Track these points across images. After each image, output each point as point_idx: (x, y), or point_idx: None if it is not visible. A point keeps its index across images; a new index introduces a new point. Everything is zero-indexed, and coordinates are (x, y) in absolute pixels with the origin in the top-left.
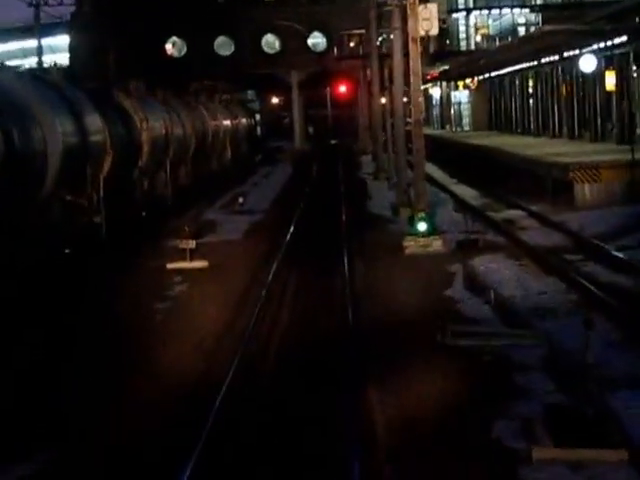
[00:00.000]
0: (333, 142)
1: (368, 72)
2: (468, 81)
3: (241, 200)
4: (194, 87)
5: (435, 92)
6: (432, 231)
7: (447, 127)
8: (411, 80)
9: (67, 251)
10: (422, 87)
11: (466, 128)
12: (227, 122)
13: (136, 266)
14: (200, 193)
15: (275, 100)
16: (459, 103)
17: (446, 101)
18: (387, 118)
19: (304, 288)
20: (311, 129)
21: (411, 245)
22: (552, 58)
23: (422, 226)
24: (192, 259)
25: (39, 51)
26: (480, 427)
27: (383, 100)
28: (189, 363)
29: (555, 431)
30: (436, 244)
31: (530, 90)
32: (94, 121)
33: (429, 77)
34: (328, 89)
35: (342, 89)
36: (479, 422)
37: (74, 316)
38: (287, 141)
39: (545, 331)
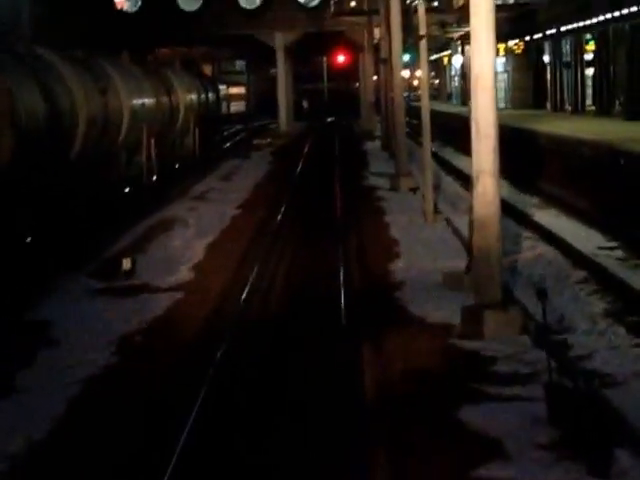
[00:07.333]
0: (329, 120)
1: (376, 32)
2: (512, 44)
3: (127, 265)
4: (159, 55)
5: (455, 59)
6: None
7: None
8: None
9: None
10: (437, 55)
11: (501, 105)
12: (143, 100)
13: None
14: (41, 253)
15: (270, 71)
16: None
17: (470, 70)
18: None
19: None
20: (306, 104)
21: None
22: None
23: None
24: None
25: None
26: None
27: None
28: None
29: None
30: None
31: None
32: None
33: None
34: (324, 57)
35: (341, 58)
36: None
37: None
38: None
39: None
